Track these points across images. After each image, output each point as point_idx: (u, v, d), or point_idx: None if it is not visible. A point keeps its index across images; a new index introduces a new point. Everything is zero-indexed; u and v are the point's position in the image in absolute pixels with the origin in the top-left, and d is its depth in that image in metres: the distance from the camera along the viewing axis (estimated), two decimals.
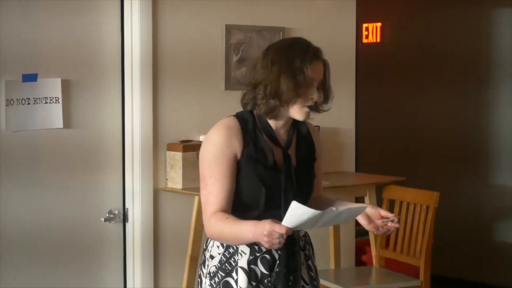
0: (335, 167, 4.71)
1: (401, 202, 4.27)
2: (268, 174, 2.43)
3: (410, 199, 4.22)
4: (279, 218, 2.28)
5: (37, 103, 3.66)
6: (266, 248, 2.37)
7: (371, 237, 4.39)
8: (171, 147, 4.03)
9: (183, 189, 3.95)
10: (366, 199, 4.37)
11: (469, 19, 6.04)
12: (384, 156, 6.39)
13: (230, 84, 4.26)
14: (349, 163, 4.81)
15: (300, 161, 2.52)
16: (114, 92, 3.94)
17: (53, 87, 3.70)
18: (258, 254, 2.44)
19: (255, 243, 2.41)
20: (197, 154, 3.95)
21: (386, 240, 4.33)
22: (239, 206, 2.46)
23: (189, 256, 4.00)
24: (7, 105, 3.56)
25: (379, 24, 6.53)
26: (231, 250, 2.46)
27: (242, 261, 2.44)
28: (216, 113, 4.20)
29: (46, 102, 3.68)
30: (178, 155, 3.97)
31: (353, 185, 4.42)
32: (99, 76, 3.88)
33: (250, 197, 2.43)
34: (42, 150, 3.72)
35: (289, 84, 2.39)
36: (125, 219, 3.96)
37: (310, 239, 2.63)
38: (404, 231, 4.20)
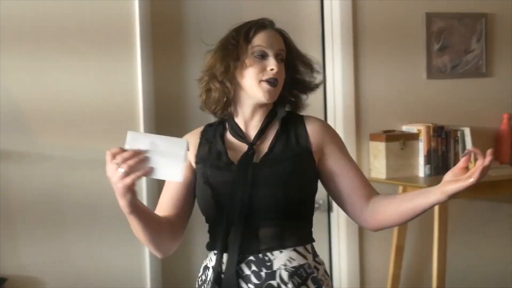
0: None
1: None
2: (217, 173, 2.12)
3: None
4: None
5: None
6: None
7: None
8: (374, 137, 4.06)
9: (387, 179, 3.98)
10: None
11: None
12: None
13: (431, 72, 4.21)
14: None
15: (268, 157, 2.13)
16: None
17: None
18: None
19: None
20: (399, 144, 3.98)
21: None
22: (208, 222, 2.19)
23: (395, 244, 4.05)
24: None
25: None
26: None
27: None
28: (417, 103, 4.19)
29: None
30: (381, 145, 3.99)
31: None
32: None
33: (206, 207, 2.14)
34: None
35: (219, 56, 2.13)
36: (329, 209, 4.06)
37: (313, 272, 2.10)
38: None
